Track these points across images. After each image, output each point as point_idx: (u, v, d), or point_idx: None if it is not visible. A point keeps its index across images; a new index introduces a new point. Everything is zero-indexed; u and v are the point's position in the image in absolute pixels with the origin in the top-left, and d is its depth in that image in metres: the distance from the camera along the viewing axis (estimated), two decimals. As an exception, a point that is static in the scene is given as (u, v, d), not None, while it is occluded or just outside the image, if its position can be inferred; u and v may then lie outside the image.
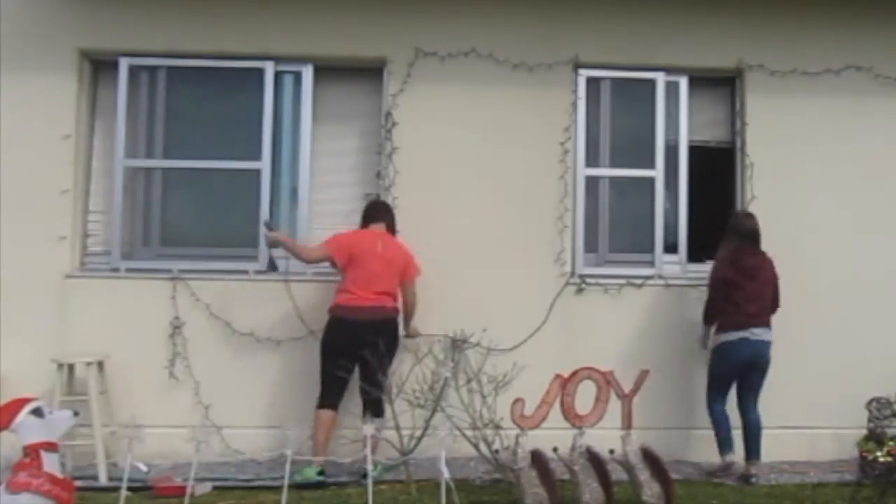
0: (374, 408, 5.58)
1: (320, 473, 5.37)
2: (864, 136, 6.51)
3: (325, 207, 6.44)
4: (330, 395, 5.54)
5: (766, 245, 6.00)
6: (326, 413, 5.50)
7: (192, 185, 6.39)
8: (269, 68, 6.32)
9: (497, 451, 5.34)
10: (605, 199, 6.54)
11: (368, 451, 4.59)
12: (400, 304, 5.83)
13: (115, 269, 6.19)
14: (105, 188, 6.33)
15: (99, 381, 5.72)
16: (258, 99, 6.32)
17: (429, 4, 6.38)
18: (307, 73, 6.38)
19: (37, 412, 4.28)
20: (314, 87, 6.40)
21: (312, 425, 5.49)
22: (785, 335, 6.21)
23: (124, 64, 6.27)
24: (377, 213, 5.89)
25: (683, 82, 6.60)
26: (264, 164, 6.29)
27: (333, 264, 5.71)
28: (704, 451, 6.02)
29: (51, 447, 4.25)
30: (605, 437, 5.02)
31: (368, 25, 6.35)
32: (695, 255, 6.59)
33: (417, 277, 5.87)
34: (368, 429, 4.64)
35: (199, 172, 6.33)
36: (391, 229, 5.88)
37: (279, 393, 6.07)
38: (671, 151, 6.56)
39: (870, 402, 5.94)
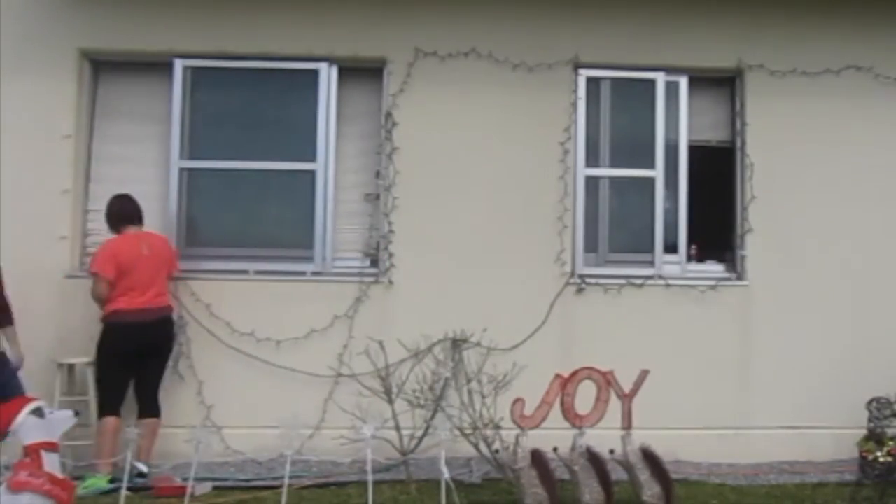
0: (151, 408, 5.62)
1: (111, 481, 5.24)
2: (863, 136, 6.51)
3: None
4: (113, 403, 5.50)
5: (765, 244, 6.00)
6: (112, 420, 5.44)
7: (198, 186, 6.41)
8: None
9: (497, 451, 5.34)
10: (605, 199, 6.54)
11: (368, 454, 4.58)
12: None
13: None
14: (105, 187, 6.33)
15: (99, 381, 5.72)
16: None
17: (429, 4, 6.38)
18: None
19: (37, 412, 4.28)
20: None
21: (96, 434, 5.47)
22: (785, 335, 6.23)
23: (179, 65, 6.28)
24: (127, 213, 5.74)
25: (683, 82, 6.60)
26: (319, 165, 6.34)
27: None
28: (704, 451, 6.03)
29: (51, 447, 4.25)
30: (605, 437, 5.01)
31: (368, 25, 6.36)
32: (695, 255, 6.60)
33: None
34: (368, 429, 4.64)
35: (212, 172, 6.38)
36: (142, 223, 5.78)
37: (279, 393, 6.06)
38: (671, 151, 6.56)
39: (870, 402, 5.93)
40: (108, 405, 5.49)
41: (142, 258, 5.60)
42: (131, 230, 5.71)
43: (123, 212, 5.75)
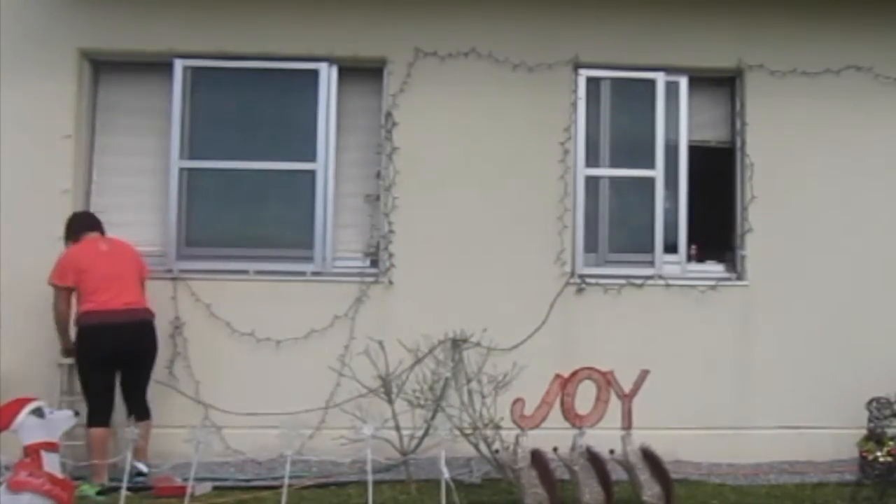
0: (139, 411, 5.51)
1: (100, 493, 5.14)
2: (863, 136, 6.51)
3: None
4: (100, 412, 5.38)
5: (765, 244, 6.00)
6: (100, 431, 5.34)
7: (198, 186, 6.40)
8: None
9: (497, 451, 5.34)
10: (605, 199, 6.53)
11: (368, 454, 4.58)
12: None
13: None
14: (105, 187, 6.35)
15: (99, 381, 5.71)
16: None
17: (429, 4, 6.38)
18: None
19: (37, 412, 4.28)
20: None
21: (87, 444, 5.37)
22: (785, 335, 6.23)
23: (179, 65, 6.28)
24: (87, 222, 5.69)
25: (683, 82, 6.60)
26: (318, 165, 6.34)
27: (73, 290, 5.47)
28: (704, 451, 6.03)
29: (51, 447, 4.25)
30: (605, 437, 5.01)
31: (368, 25, 6.36)
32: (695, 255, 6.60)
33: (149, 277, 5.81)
34: (368, 429, 4.63)
35: (212, 172, 6.38)
36: (102, 233, 5.70)
37: (279, 393, 6.06)
38: (671, 151, 6.56)
39: (870, 402, 5.92)
40: (96, 415, 5.39)
41: (101, 254, 5.50)
42: (90, 236, 5.63)
43: (81, 221, 5.69)
